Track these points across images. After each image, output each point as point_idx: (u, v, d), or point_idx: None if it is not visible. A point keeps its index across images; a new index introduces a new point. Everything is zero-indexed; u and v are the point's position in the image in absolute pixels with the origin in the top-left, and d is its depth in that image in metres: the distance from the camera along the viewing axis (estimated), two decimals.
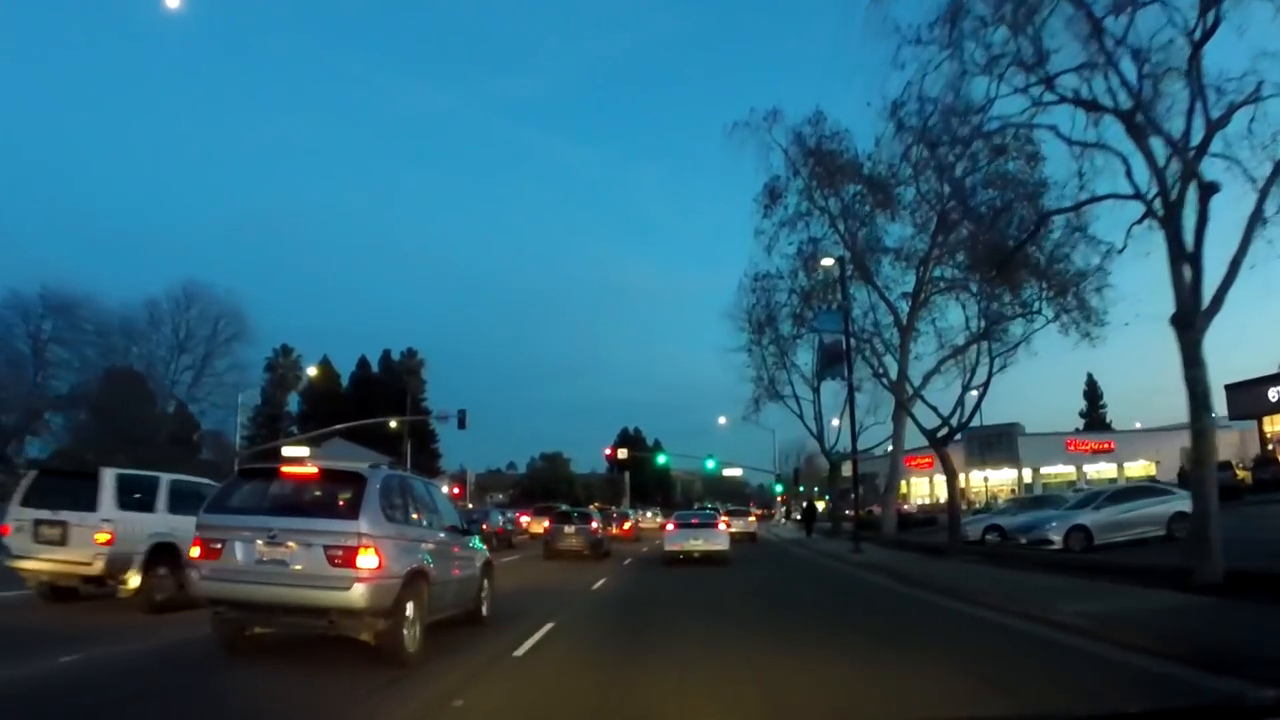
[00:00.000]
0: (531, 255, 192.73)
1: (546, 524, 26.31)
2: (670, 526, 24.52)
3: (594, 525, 25.19)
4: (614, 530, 36.70)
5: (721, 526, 24.53)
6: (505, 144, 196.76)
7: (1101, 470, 58.92)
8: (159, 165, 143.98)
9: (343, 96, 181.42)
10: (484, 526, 26.25)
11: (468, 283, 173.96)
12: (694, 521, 24.45)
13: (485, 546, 11.53)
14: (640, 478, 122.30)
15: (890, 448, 33.99)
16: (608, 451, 62.14)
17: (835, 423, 40.68)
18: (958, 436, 30.50)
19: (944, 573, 16.94)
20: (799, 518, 57.40)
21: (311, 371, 68.55)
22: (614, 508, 59.19)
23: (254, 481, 8.64)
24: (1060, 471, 59.46)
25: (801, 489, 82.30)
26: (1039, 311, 23.50)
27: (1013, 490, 58.29)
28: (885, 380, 30.97)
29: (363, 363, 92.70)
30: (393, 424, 61.66)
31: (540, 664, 8.03)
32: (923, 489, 68.97)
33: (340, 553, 7.22)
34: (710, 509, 36.45)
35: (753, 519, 43.29)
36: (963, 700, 6.25)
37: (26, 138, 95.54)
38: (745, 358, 41.51)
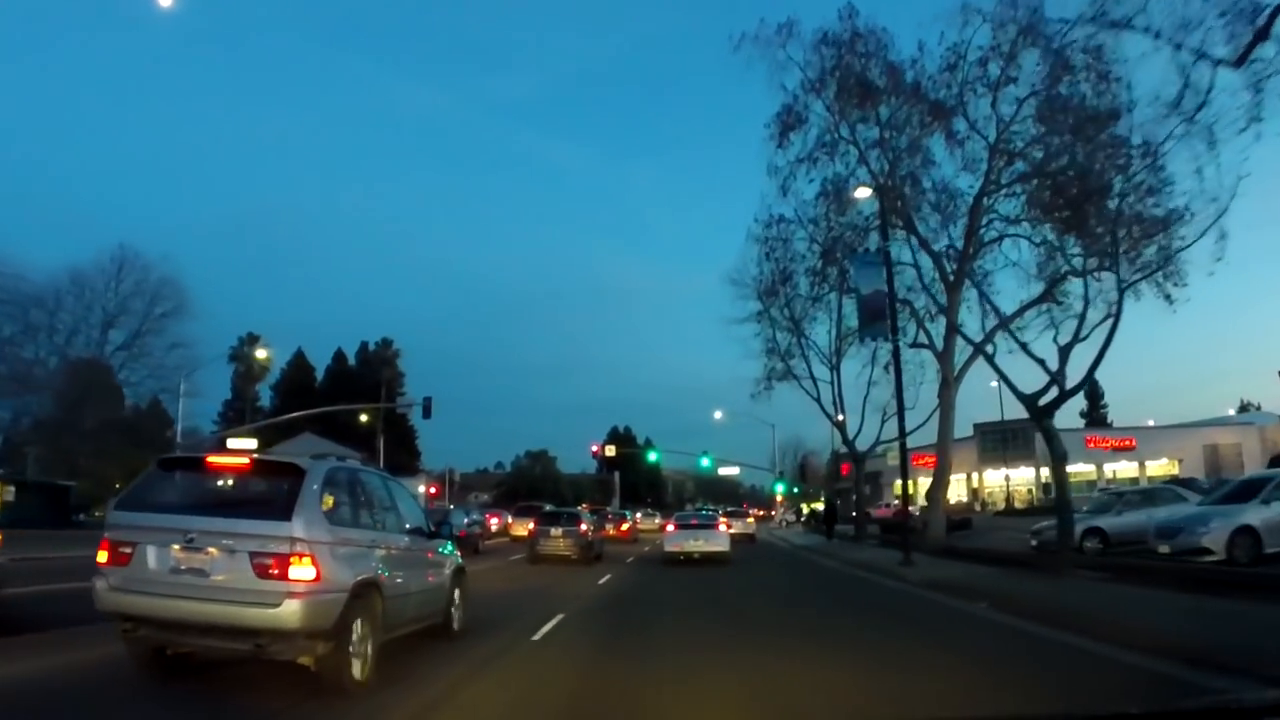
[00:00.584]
0: (523, 255, 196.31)
1: (531, 526, 25.18)
2: (671, 527, 25.33)
3: (583, 527, 24.00)
4: (610, 531, 37.17)
5: (722, 528, 25.37)
6: (496, 142, 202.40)
7: (1121, 469, 58.03)
8: (145, 160, 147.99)
9: (333, 94, 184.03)
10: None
11: (457, 281, 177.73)
12: (694, 522, 25.41)
13: (458, 551, 10.52)
14: (631, 477, 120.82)
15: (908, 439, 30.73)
16: (594, 448, 59.92)
17: (841, 417, 37.62)
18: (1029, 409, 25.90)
19: (1097, 603, 11.55)
20: (804, 519, 56.15)
21: (261, 354, 65.52)
22: (608, 508, 60.08)
23: (175, 474, 7.42)
24: (1079, 470, 58.32)
25: (796, 490, 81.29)
26: (1109, 268, 18.70)
27: (1030, 491, 57.14)
28: (932, 348, 27.32)
29: (339, 355, 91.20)
30: (363, 418, 60.01)
31: None
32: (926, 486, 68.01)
33: (269, 561, 6.09)
34: (709, 511, 37.86)
35: (751, 520, 44.36)
36: None
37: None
38: (753, 327, 36.59)
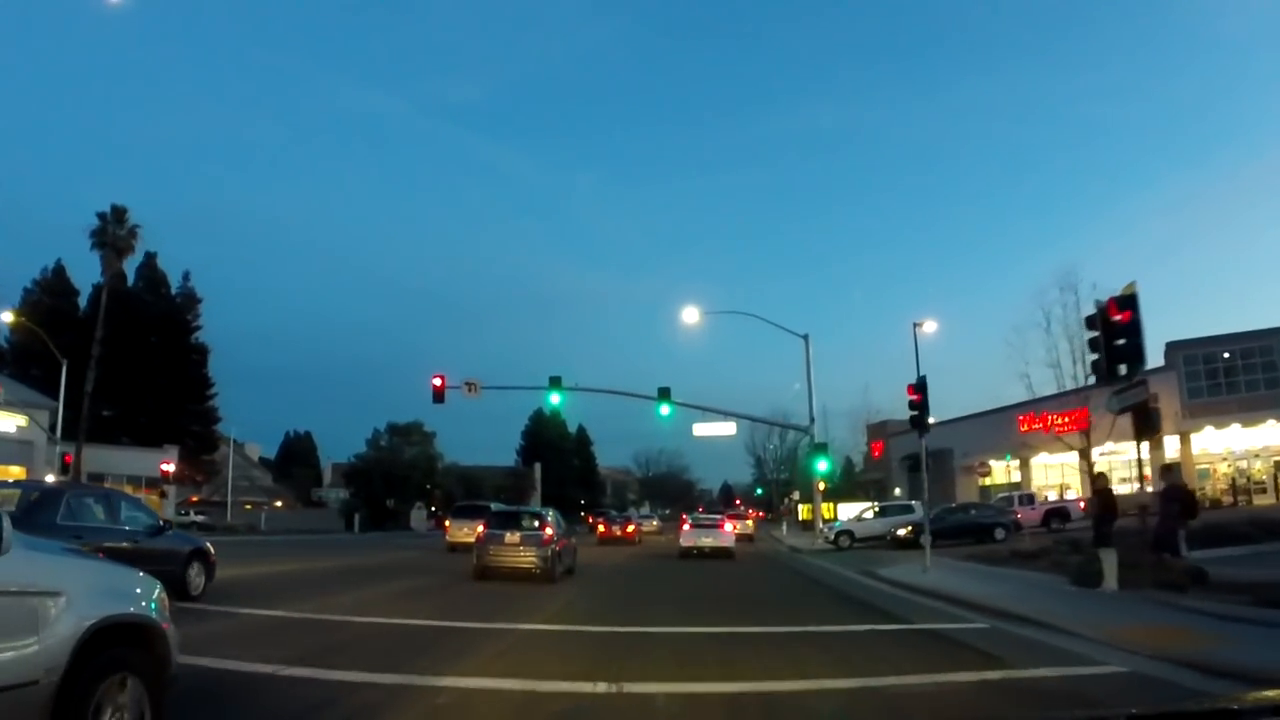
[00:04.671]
0: (467, 257, 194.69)
1: (480, 529, 19.72)
2: (686, 526, 29.49)
3: (549, 532, 18.93)
4: (617, 532, 39.31)
5: (728, 527, 29.91)
6: (441, 146, 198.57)
7: None
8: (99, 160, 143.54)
9: (276, 92, 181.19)
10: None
11: (395, 279, 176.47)
12: (704, 524, 29.91)
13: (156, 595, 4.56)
14: (557, 471, 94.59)
15: None
16: (436, 381, 29.13)
17: None
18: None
19: None
20: (904, 534, 26.97)
21: None
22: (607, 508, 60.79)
23: None
24: None
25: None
26: None
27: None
28: None
29: (118, 275, 60.26)
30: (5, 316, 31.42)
31: None
32: (1047, 471, 40.13)
33: None
34: (717, 516, 37.28)
35: (750, 522, 46.73)
36: None
37: None
38: None
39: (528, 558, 18.00)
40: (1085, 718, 4.75)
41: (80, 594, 3.68)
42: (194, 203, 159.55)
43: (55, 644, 3.43)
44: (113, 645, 3.78)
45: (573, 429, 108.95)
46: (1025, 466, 38.92)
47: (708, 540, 26.99)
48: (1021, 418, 39.46)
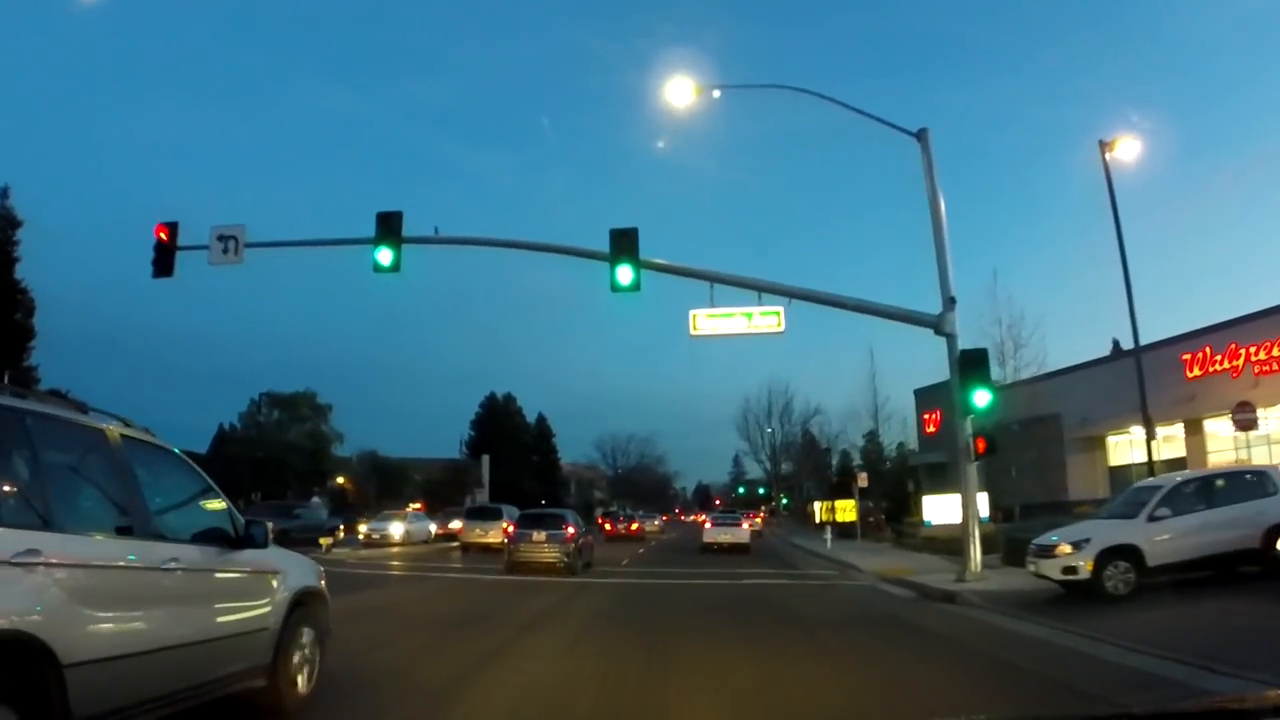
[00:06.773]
0: (436, 260, 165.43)
1: (507, 528, 23.07)
2: (707, 525, 35.16)
3: (570, 530, 21.08)
4: (623, 530, 43.99)
5: (744, 525, 35.30)
6: (407, 145, 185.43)
7: None
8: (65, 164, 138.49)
9: (245, 92, 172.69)
10: None
11: (364, 285, 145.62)
12: (723, 522, 35.24)
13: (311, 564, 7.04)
14: (511, 466, 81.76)
15: None
16: (163, 236, 16.43)
17: None
18: None
19: None
20: None
21: None
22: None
23: None
24: None
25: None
26: None
27: None
28: None
29: None
30: None
31: None
32: (1237, 443, 26.04)
33: None
34: (735, 513, 43.06)
35: (758, 520, 51.06)
36: None
37: None
38: None
39: (552, 554, 20.52)
40: (1084, 717, 4.68)
41: (289, 572, 6.12)
42: (159, 203, 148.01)
43: (278, 604, 5.80)
44: (302, 606, 6.13)
45: (531, 418, 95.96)
46: (1195, 431, 25.24)
47: (726, 537, 32.32)
48: (1189, 356, 25.89)
